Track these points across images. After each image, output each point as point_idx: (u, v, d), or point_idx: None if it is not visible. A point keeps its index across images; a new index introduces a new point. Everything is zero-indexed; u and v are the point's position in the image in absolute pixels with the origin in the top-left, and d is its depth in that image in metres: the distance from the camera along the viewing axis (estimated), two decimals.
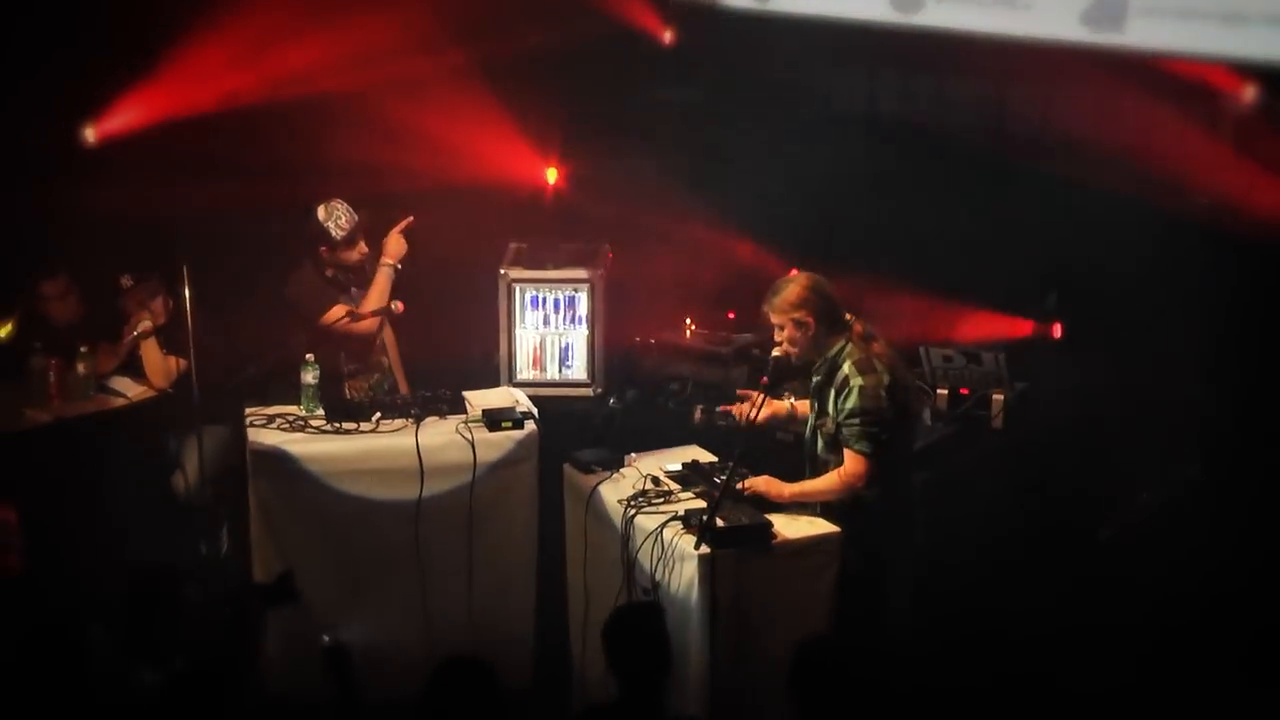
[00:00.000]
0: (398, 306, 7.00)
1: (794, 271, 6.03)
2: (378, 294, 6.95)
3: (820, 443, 5.86)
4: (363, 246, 6.97)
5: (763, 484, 5.80)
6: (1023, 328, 7.77)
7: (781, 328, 5.81)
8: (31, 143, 7.57)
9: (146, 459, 7.17)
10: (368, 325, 6.96)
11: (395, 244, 7.01)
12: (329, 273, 7.00)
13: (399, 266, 7.00)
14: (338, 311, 6.91)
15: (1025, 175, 7.92)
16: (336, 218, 6.91)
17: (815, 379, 5.89)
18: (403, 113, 8.13)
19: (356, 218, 6.94)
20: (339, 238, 6.91)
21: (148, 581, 5.19)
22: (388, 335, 7.23)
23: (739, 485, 5.76)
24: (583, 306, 7.22)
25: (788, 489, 5.80)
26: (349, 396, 6.83)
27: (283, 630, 5.93)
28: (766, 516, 5.66)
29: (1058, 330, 7.74)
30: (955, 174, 8.12)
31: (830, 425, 5.79)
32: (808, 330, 5.78)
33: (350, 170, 7.67)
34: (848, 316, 5.83)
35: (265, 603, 5.13)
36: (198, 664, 4.82)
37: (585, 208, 8.44)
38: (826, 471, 5.83)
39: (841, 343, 5.79)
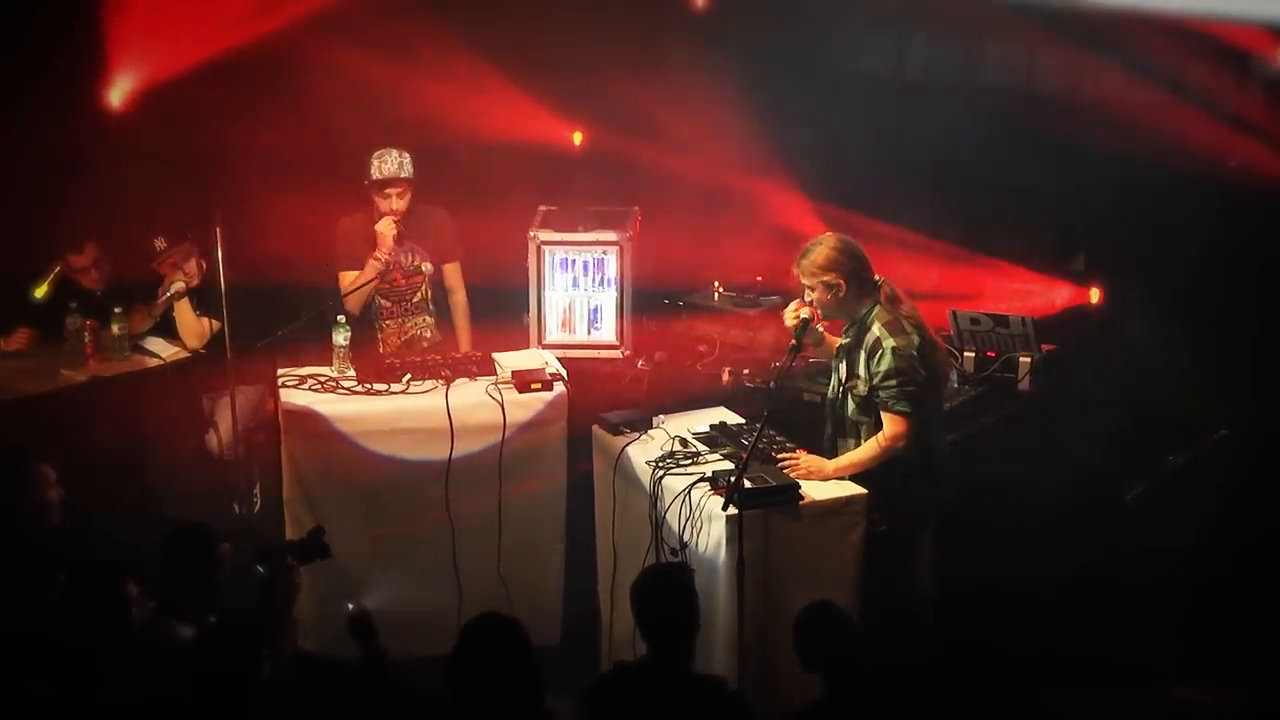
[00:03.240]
0: (428, 268, 7.13)
1: (825, 233, 6.01)
2: (357, 282, 7.05)
3: (851, 405, 5.87)
4: (396, 204, 7.04)
5: (804, 469, 5.75)
6: (1061, 294, 7.74)
7: (811, 289, 5.81)
8: (55, 105, 7.61)
9: (180, 418, 7.22)
10: (351, 303, 7.06)
11: (382, 237, 7.05)
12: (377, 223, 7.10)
13: (384, 262, 7.06)
14: (347, 278, 7.07)
15: (1053, 138, 7.88)
16: (382, 161, 7.02)
17: (843, 340, 5.90)
18: (430, 72, 8.16)
19: (405, 175, 7.02)
20: (374, 177, 7.01)
21: (184, 539, 5.24)
22: (456, 297, 7.32)
23: (779, 464, 5.77)
24: (612, 269, 7.21)
25: (830, 466, 5.79)
26: (380, 336, 7.08)
27: (314, 589, 5.95)
28: (794, 476, 5.69)
29: (1095, 295, 7.69)
30: (986, 136, 8.08)
31: (862, 387, 5.79)
32: (838, 292, 5.77)
33: (382, 127, 7.72)
34: (877, 278, 5.83)
35: (298, 559, 5.17)
36: (231, 620, 4.87)
37: (614, 169, 8.43)
38: (858, 432, 5.85)
39: (870, 304, 5.79)
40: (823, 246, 5.80)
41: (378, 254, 7.06)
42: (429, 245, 7.24)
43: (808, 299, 5.83)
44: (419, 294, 7.29)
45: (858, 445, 5.83)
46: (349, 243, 7.15)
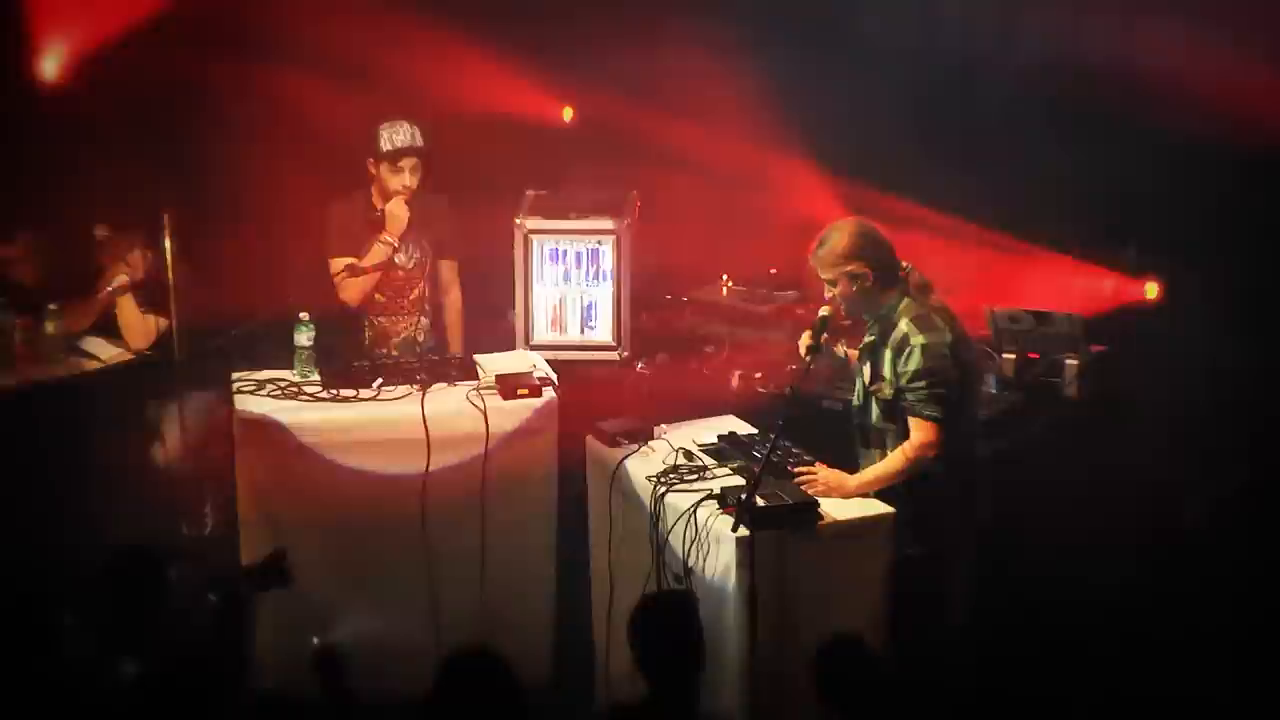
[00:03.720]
0: (398, 260, 7.11)
1: (843, 218, 5.97)
2: (363, 265, 7.08)
3: (875, 411, 5.84)
4: (409, 180, 7.08)
5: (822, 484, 5.71)
6: (1112, 288, 7.70)
7: (833, 283, 5.77)
8: None
9: (122, 428, 7.19)
10: (351, 294, 7.11)
11: (395, 219, 7.08)
12: (377, 208, 7.11)
13: (395, 244, 7.11)
14: (339, 264, 7.08)
15: (1101, 113, 7.84)
16: (394, 133, 7.06)
17: (867, 338, 5.86)
18: (404, 42, 8.15)
19: (416, 145, 7.05)
20: (385, 149, 7.04)
21: (127, 564, 5.21)
22: (450, 297, 7.35)
23: (796, 479, 5.73)
24: (608, 260, 7.19)
25: (852, 482, 5.75)
26: (369, 334, 7.11)
27: (275, 621, 5.94)
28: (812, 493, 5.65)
29: (1152, 290, 7.63)
30: (1027, 111, 8.05)
31: (887, 390, 5.76)
32: (864, 282, 5.73)
33: (354, 100, 7.70)
34: (904, 264, 5.80)
35: (256, 586, 5.14)
36: (181, 655, 4.83)
37: (610, 149, 8.42)
38: (883, 442, 5.82)
39: (896, 296, 5.76)
40: (842, 233, 5.78)
41: (386, 236, 7.08)
42: (429, 237, 7.25)
43: (828, 295, 5.80)
44: (416, 290, 7.29)
45: (884, 457, 5.79)
46: (345, 226, 7.16)
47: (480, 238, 7.48)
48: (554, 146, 8.66)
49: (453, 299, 7.39)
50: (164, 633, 5.12)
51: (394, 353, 7.16)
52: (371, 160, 7.10)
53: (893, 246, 5.79)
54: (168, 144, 7.87)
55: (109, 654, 5.03)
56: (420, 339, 7.30)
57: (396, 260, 7.17)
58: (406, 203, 7.08)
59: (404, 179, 7.08)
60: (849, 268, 5.74)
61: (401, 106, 7.31)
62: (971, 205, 7.96)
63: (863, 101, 8.34)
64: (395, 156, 7.05)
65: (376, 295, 7.23)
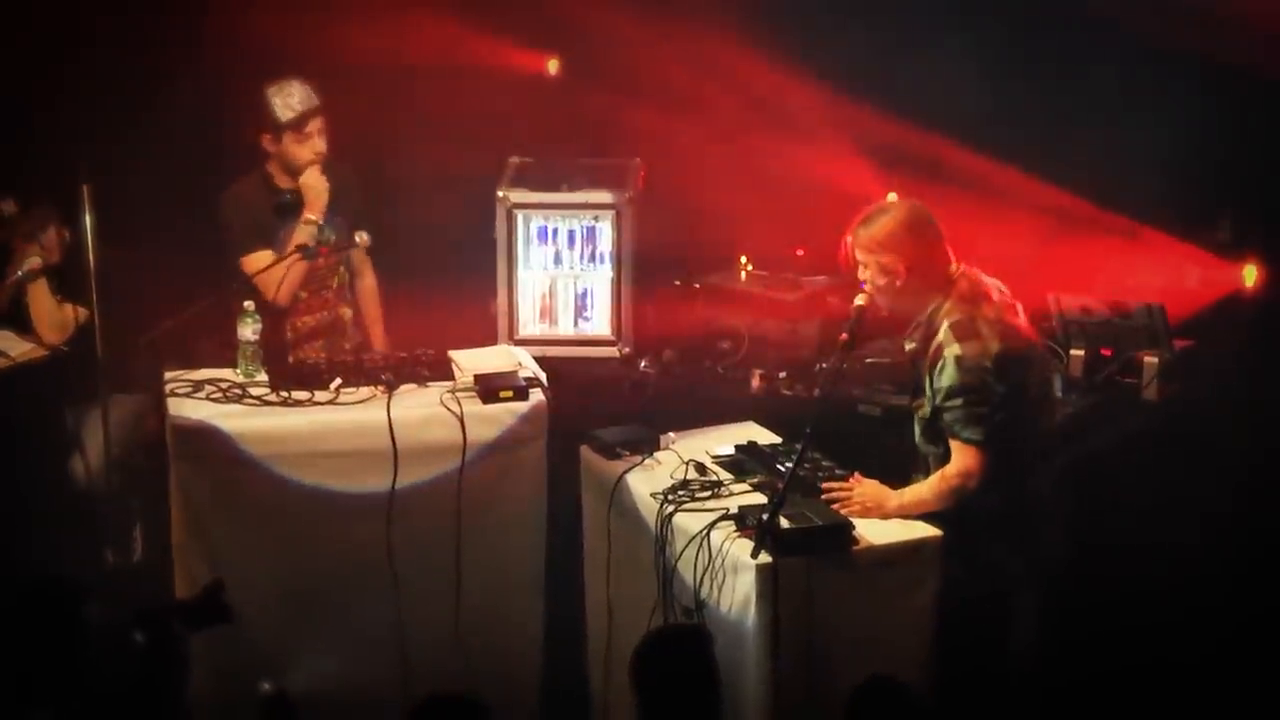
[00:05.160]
0: (363, 239, 7.12)
1: (893, 196, 6.02)
2: (289, 257, 7.05)
3: (917, 429, 5.91)
4: (318, 145, 7.13)
5: (858, 502, 5.76)
6: (1201, 273, 7.71)
7: (864, 266, 5.85)
8: None
9: (34, 438, 7.23)
10: (283, 295, 7.12)
11: (315, 191, 7.12)
12: (281, 184, 7.15)
13: (320, 221, 7.14)
14: (262, 259, 7.08)
15: (1185, 57, 7.85)
16: (287, 96, 7.08)
17: (909, 345, 5.93)
18: None
19: (316, 103, 7.10)
20: (284, 119, 7.08)
21: (38, 598, 5.25)
22: (365, 281, 7.40)
23: (827, 497, 5.78)
24: (606, 240, 7.25)
25: (892, 501, 5.80)
26: (290, 338, 7.14)
27: (214, 664, 5.97)
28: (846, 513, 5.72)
29: (1250, 275, 7.65)
30: (1089, 53, 8.07)
31: (926, 407, 5.83)
32: (894, 280, 5.80)
33: (292, 58, 7.72)
34: (952, 269, 5.83)
35: (189, 624, 5.18)
36: (102, 706, 4.87)
37: (607, 108, 8.42)
38: (926, 466, 5.88)
39: (938, 300, 5.81)
40: (887, 217, 5.84)
41: (309, 215, 7.11)
42: (344, 213, 7.27)
43: (861, 275, 5.87)
44: (338, 278, 7.33)
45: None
46: (249, 213, 7.17)
47: (455, 213, 7.51)
48: (540, 106, 8.66)
49: (368, 284, 7.46)
50: (82, 679, 5.16)
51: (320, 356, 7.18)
52: (267, 136, 7.13)
53: (942, 244, 5.82)
54: (86, 102, 7.88)
55: (18, 704, 5.08)
56: (349, 333, 7.36)
57: (353, 237, 7.15)
58: (316, 165, 7.12)
59: (314, 145, 7.13)
60: (883, 258, 5.80)
61: (366, 56, 7.34)
62: (1035, 167, 7.97)
63: (915, 32, 8.34)
64: (300, 122, 7.09)
65: (298, 292, 7.25)
